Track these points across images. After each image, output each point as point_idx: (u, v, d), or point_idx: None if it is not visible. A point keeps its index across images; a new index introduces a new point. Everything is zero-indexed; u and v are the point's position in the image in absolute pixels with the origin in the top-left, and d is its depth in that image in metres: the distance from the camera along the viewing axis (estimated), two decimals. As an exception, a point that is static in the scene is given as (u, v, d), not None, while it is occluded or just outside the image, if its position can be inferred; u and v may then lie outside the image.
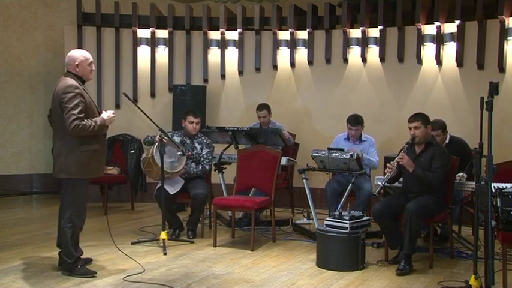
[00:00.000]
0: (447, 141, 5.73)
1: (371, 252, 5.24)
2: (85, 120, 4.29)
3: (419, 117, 5.00)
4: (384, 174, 5.13)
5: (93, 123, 4.33)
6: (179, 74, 8.22)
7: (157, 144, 5.48)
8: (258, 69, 8.08)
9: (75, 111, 4.24)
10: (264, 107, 6.85)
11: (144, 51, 8.19)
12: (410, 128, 5.02)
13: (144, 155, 5.80)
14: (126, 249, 5.30)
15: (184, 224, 5.95)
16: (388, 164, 5.05)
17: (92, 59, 4.58)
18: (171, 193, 5.70)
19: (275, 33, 7.95)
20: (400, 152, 4.98)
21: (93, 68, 4.63)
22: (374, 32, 7.52)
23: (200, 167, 5.95)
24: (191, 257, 5.13)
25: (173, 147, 5.66)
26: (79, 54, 4.52)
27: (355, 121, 6.20)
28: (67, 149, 4.36)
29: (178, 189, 5.77)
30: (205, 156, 5.99)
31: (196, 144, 6.02)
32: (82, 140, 4.35)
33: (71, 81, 4.37)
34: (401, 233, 4.87)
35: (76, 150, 4.35)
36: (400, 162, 4.91)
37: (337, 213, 4.94)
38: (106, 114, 4.49)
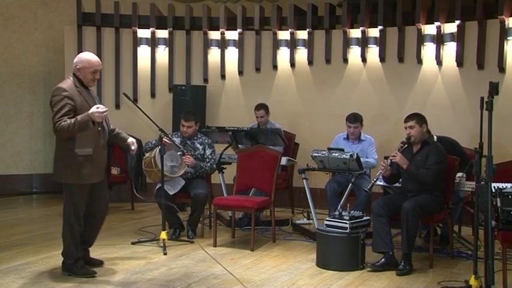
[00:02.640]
0: None
1: (371, 252, 5.22)
2: (66, 121, 4.12)
3: (413, 117, 5.07)
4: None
5: (72, 121, 4.11)
6: (179, 74, 8.22)
7: (160, 147, 5.47)
8: (258, 69, 8.08)
9: (58, 115, 4.15)
10: (261, 107, 6.86)
11: (144, 51, 8.19)
12: (406, 128, 5.08)
13: (146, 155, 5.79)
14: (126, 249, 5.31)
15: (184, 224, 5.95)
16: (381, 162, 5.09)
17: (97, 68, 4.35)
18: (171, 193, 5.70)
19: (275, 33, 7.94)
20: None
21: (97, 77, 4.41)
22: (374, 32, 7.52)
23: (208, 164, 5.97)
24: (191, 257, 5.13)
25: (175, 152, 5.67)
26: (84, 59, 4.35)
27: (354, 119, 6.23)
28: (59, 152, 4.34)
29: (178, 190, 5.77)
30: (210, 156, 6.00)
31: (198, 145, 6.02)
32: (74, 144, 4.23)
33: (63, 83, 4.31)
34: (390, 240, 4.85)
35: (68, 154, 4.26)
36: (393, 160, 4.96)
37: (337, 213, 4.95)
38: (92, 109, 4.16)
